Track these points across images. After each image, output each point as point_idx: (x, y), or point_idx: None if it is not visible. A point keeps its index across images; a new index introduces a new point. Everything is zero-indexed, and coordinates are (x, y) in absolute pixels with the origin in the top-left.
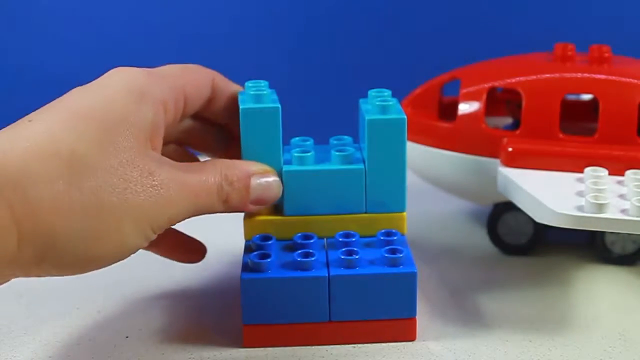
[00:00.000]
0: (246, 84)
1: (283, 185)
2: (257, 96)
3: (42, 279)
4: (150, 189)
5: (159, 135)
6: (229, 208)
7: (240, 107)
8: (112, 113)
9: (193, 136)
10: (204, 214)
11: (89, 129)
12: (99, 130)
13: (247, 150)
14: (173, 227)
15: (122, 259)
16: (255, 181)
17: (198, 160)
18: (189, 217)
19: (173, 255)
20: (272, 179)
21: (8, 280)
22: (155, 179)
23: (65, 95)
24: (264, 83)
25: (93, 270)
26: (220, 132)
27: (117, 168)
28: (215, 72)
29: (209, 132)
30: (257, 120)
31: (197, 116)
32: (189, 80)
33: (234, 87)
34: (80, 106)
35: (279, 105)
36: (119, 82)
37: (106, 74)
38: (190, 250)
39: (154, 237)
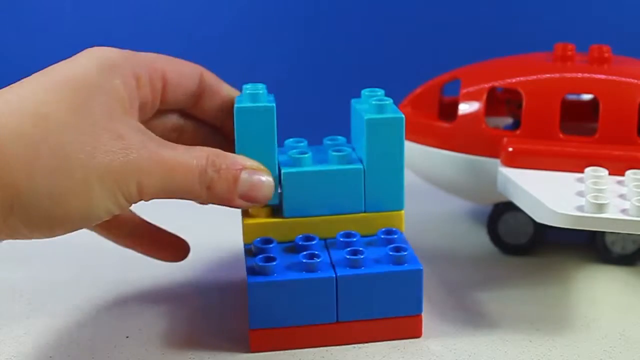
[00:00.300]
0: (244, 86)
1: (282, 187)
2: (252, 95)
3: (42, 279)
4: (119, 151)
5: (133, 107)
6: (212, 196)
7: (235, 105)
8: (85, 81)
9: (183, 135)
10: (183, 196)
11: (63, 93)
12: (72, 94)
13: (241, 149)
14: (157, 224)
15: (91, 223)
16: (246, 175)
17: (201, 135)
18: (166, 195)
19: (155, 253)
20: (265, 177)
21: None
22: (125, 143)
23: (44, 69)
24: (261, 86)
25: (61, 232)
26: (213, 134)
27: (87, 128)
28: (204, 69)
29: (201, 132)
30: (252, 120)
31: (187, 115)
32: (170, 66)
33: (226, 87)
34: (56, 74)
35: (274, 104)
36: (92, 57)
37: (81, 52)
38: (173, 248)
39: (126, 204)
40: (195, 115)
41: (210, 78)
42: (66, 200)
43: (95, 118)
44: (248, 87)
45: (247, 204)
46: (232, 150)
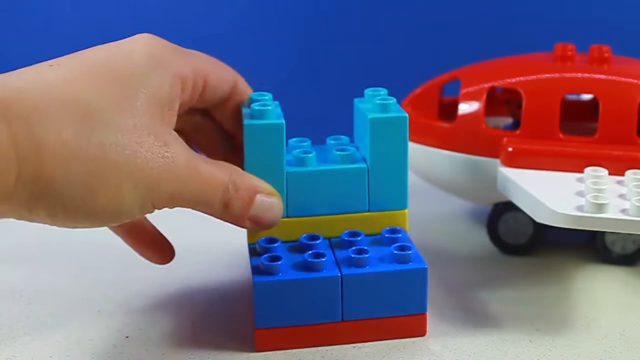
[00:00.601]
0: (250, 96)
1: (287, 186)
2: (261, 112)
3: (42, 278)
4: (161, 159)
5: (172, 109)
6: (226, 214)
7: (244, 122)
8: (132, 75)
9: (202, 133)
10: (201, 209)
11: (108, 85)
12: (117, 88)
13: (250, 164)
14: (152, 223)
15: (114, 223)
16: (260, 198)
17: (217, 135)
18: (187, 206)
19: (146, 251)
20: (276, 200)
21: (1, 218)
22: (168, 150)
23: (86, 50)
24: (268, 96)
25: (85, 226)
26: (226, 139)
27: (132, 130)
28: (239, 76)
29: (217, 134)
30: (261, 136)
31: (208, 114)
32: (214, 70)
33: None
34: (101, 62)
35: (284, 122)
36: (143, 46)
37: (130, 37)
38: (162, 249)
39: (152, 210)
40: (215, 117)
41: (243, 86)
42: (95, 198)
43: (140, 119)
44: (255, 97)
45: (255, 226)
46: (239, 158)
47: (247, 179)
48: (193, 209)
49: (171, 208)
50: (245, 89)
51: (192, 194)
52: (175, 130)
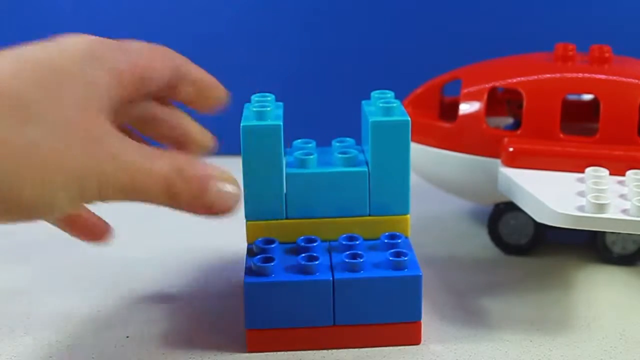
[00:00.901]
0: (252, 97)
1: (287, 188)
2: (259, 113)
3: (42, 278)
4: (92, 154)
5: (110, 106)
6: (175, 204)
7: (242, 124)
8: (65, 68)
9: (156, 124)
10: (141, 200)
11: (40, 78)
12: (49, 81)
13: (247, 166)
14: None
15: (43, 218)
16: (214, 186)
17: (168, 124)
18: (125, 200)
19: (78, 234)
20: (231, 187)
21: None
22: (101, 146)
23: (22, 46)
24: (270, 97)
25: (12, 221)
26: (180, 124)
27: (63, 124)
28: (185, 60)
29: (175, 118)
30: (258, 138)
31: (163, 100)
32: (151, 60)
33: (198, 72)
34: (35, 56)
35: (281, 123)
36: (75, 44)
37: (61, 37)
38: (95, 232)
39: (82, 205)
40: (173, 100)
41: (189, 68)
42: (22, 195)
43: (72, 112)
44: (256, 99)
45: (210, 215)
46: (197, 145)
47: (199, 167)
48: (137, 201)
49: (112, 202)
50: (193, 72)
51: (128, 189)
52: (122, 124)
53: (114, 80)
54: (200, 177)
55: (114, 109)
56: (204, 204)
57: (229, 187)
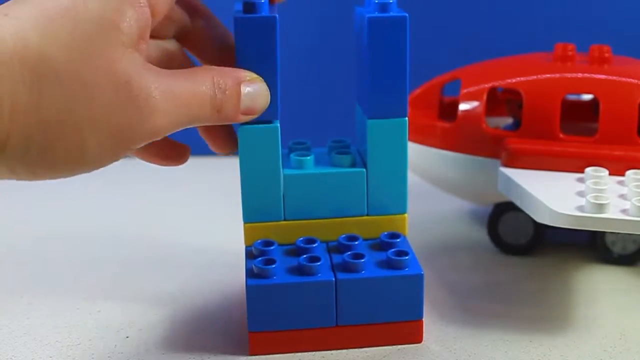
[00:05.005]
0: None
1: (284, 190)
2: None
3: (42, 278)
4: (126, 101)
5: (143, 39)
6: (221, 118)
7: (239, 127)
8: (88, 13)
9: (175, 62)
10: (196, 125)
11: (61, 31)
12: (71, 32)
13: (245, 167)
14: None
15: (83, 172)
16: (246, 89)
17: (190, 61)
18: (180, 129)
19: (154, 159)
20: (260, 85)
21: None
22: (134, 88)
23: None
24: None
25: (50, 178)
26: (216, 35)
27: (87, 76)
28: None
29: (204, 32)
30: (256, 139)
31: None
32: None
33: (219, 26)
34: (55, 5)
35: (278, 125)
36: None
37: None
38: (173, 156)
39: (131, 151)
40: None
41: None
42: (56, 155)
43: (97, 61)
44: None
45: (249, 117)
46: (232, 53)
47: (229, 75)
48: (187, 127)
49: (161, 138)
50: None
51: (179, 119)
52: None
53: (146, 13)
54: (234, 85)
55: (147, 39)
56: (242, 109)
57: (257, 86)
